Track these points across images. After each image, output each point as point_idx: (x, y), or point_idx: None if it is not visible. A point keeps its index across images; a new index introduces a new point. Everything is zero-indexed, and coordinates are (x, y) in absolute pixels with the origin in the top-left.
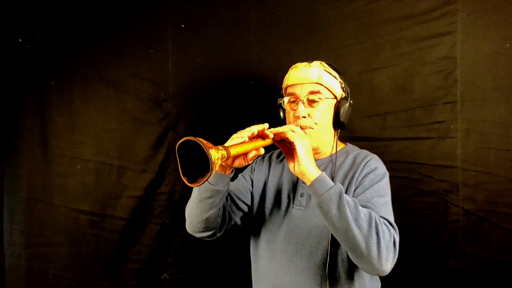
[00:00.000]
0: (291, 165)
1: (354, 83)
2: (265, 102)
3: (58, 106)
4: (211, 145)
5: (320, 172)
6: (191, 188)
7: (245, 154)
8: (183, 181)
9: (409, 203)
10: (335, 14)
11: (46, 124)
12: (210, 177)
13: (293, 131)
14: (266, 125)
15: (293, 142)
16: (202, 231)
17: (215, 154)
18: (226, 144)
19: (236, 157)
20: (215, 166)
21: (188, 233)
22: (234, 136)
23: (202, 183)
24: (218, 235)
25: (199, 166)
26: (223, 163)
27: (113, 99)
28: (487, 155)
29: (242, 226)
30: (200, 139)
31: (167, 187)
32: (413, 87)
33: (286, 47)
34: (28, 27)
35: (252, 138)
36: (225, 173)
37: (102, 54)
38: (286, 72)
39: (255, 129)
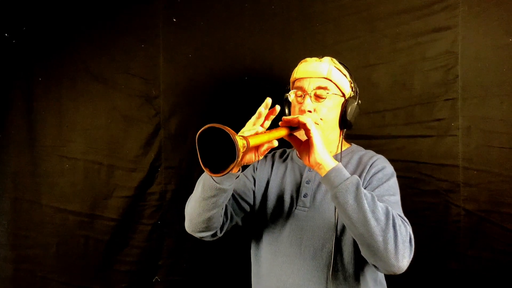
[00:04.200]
0: (305, 156)
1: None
2: (260, 99)
3: (45, 103)
4: (234, 132)
5: (337, 162)
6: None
7: (256, 149)
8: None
9: (409, 203)
10: (332, 8)
11: (33, 121)
12: (216, 176)
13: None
14: (269, 100)
15: (309, 130)
16: (203, 231)
17: (240, 141)
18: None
19: (246, 152)
20: (241, 154)
21: (180, 234)
22: (243, 129)
23: (227, 173)
24: (219, 235)
25: (218, 156)
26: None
27: (102, 96)
28: (489, 153)
29: (243, 226)
30: (224, 126)
31: (159, 187)
32: (413, 83)
33: (281, 42)
34: (14, 22)
35: (266, 129)
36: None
37: (91, 50)
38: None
39: (261, 108)
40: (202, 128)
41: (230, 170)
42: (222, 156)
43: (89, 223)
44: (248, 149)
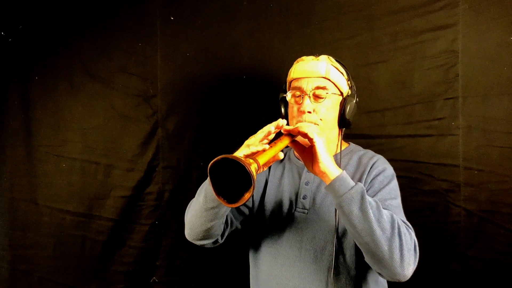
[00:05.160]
0: (308, 163)
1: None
2: (258, 98)
3: (42, 103)
4: (247, 161)
5: (341, 170)
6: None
7: None
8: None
9: (408, 204)
10: (331, 6)
11: (29, 121)
12: (232, 206)
13: (310, 128)
14: (282, 121)
15: (312, 139)
16: (204, 239)
17: (252, 167)
18: (243, 153)
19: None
20: (255, 182)
21: (178, 234)
22: (249, 142)
23: (244, 202)
24: (220, 242)
25: (227, 179)
26: None
27: (99, 95)
28: (490, 153)
29: (242, 229)
30: (237, 156)
31: (156, 187)
32: (413, 82)
33: (280, 40)
34: (10, 20)
35: (270, 142)
36: None
37: (88, 48)
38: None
39: (271, 127)
40: (214, 160)
41: (246, 200)
42: (232, 179)
43: (86, 223)
44: (259, 169)
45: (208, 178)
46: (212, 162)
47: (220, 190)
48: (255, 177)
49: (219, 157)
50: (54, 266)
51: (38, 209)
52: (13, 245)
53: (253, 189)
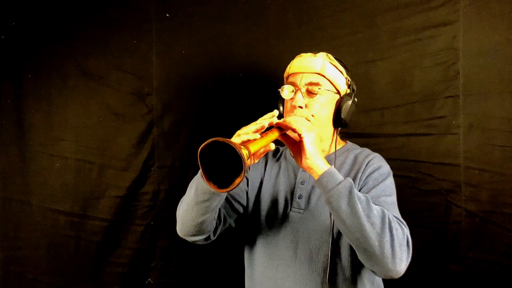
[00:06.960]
0: (298, 158)
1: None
2: (255, 96)
3: (35, 101)
4: (239, 145)
5: (329, 166)
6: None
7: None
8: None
9: (408, 204)
10: (329, 3)
11: (22, 119)
12: (222, 191)
13: (299, 122)
14: (276, 112)
15: (300, 134)
16: (196, 235)
17: (244, 153)
18: (236, 141)
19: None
20: (247, 167)
21: (174, 235)
22: (240, 132)
23: (234, 187)
24: (213, 238)
25: (218, 166)
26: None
27: (93, 93)
28: (491, 152)
29: (236, 228)
30: (228, 139)
31: (151, 187)
32: (412, 80)
33: (277, 37)
34: (3, 17)
35: (262, 132)
36: None
37: (82, 46)
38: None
39: (265, 122)
40: (205, 143)
41: (237, 185)
42: (222, 165)
43: (80, 223)
44: (250, 157)
45: (200, 165)
46: (202, 145)
47: (211, 177)
48: (246, 161)
49: (210, 140)
50: (47, 267)
51: (31, 209)
52: (5, 246)
53: (244, 173)
